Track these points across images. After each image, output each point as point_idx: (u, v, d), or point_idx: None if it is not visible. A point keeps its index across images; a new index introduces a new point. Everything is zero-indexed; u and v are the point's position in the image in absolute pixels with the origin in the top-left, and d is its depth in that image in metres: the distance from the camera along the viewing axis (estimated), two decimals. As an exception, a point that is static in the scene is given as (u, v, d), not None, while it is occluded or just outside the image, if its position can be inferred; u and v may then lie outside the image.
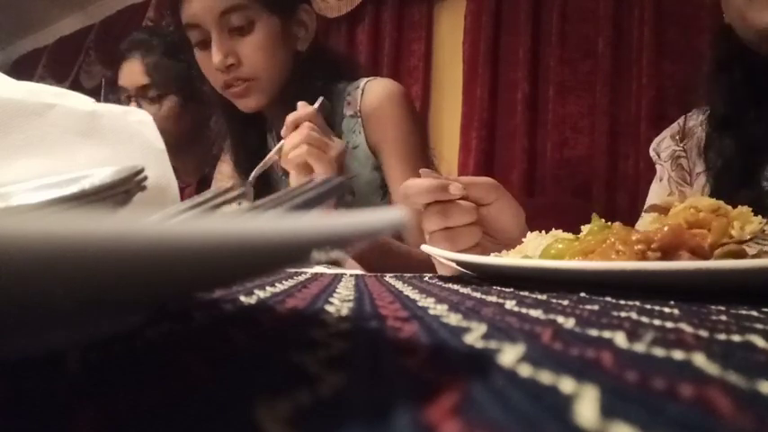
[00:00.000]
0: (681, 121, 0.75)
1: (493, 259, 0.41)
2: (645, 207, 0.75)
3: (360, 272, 0.59)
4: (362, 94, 0.88)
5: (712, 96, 0.68)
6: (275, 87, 0.86)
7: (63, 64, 3.16)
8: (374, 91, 0.88)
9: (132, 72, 1.19)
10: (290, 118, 0.73)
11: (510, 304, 0.24)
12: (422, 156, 0.88)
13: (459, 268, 0.46)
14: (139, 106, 1.17)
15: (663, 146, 0.75)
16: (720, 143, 0.64)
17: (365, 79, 0.91)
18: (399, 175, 0.84)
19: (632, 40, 1.61)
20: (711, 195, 0.62)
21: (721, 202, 0.36)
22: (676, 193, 0.71)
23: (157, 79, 1.18)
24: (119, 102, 1.19)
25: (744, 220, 0.34)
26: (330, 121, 0.87)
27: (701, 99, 0.73)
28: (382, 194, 0.89)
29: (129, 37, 1.25)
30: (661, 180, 0.74)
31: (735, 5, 0.58)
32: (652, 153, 0.77)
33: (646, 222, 0.38)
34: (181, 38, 0.90)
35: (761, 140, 0.60)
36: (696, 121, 0.72)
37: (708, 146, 0.67)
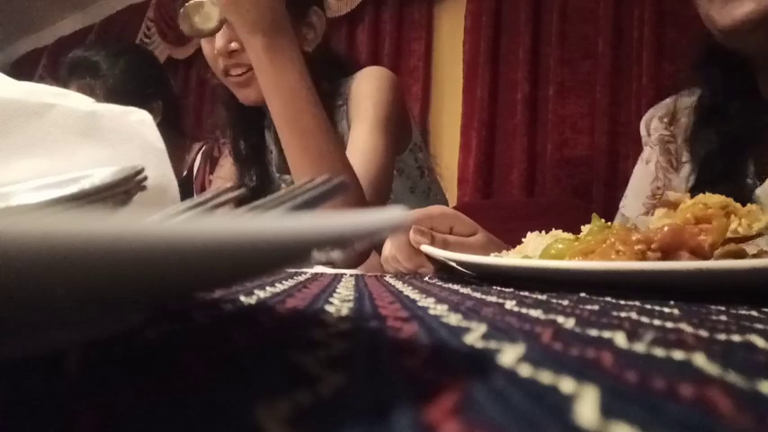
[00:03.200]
0: (670, 101, 0.74)
1: (493, 259, 0.41)
2: (626, 191, 0.74)
3: (359, 272, 0.59)
4: (352, 82, 0.89)
5: (701, 87, 0.68)
6: None
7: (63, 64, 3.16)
8: (359, 76, 0.89)
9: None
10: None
11: (510, 304, 0.24)
12: (389, 129, 0.84)
13: (459, 268, 0.46)
14: None
15: (653, 125, 0.74)
16: (706, 134, 0.64)
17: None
18: (357, 134, 0.82)
19: (632, 40, 1.61)
20: (695, 186, 0.62)
21: (731, 200, 0.36)
22: (662, 179, 0.70)
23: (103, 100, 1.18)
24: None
25: (752, 219, 0.34)
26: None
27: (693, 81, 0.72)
28: None
29: (69, 58, 1.17)
30: (647, 163, 0.73)
31: (700, 4, 0.59)
32: (642, 128, 0.76)
33: (655, 218, 0.37)
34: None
35: (745, 134, 0.60)
36: (685, 103, 0.71)
37: (693, 136, 0.67)
